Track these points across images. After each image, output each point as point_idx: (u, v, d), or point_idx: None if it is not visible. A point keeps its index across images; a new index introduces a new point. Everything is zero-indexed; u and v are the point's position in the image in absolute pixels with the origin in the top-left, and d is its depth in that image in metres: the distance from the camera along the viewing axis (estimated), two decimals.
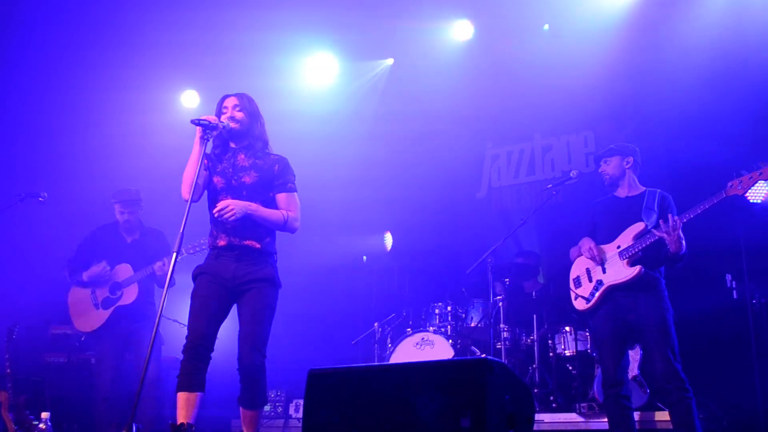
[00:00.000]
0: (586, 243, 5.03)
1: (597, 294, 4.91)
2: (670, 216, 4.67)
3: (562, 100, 7.66)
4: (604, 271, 4.92)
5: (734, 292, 6.19)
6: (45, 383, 6.59)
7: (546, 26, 7.74)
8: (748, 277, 5.99)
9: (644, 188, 5.11)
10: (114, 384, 5.82)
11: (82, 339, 6.21)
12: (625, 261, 4.82)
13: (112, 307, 5.91)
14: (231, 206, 4.15)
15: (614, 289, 4.85)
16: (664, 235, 4.61)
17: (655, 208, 4.94)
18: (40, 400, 6.30)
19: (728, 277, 6.24)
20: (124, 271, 5.97)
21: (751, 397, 5.71)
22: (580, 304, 5.03)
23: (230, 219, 4.14)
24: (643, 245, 4.76)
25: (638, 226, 4.87)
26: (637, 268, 4.75)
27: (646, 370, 5.54)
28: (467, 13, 7.94)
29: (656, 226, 4.77)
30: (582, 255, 5.09)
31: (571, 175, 6.18)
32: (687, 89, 6.79)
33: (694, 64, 6.80)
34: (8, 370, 5.96)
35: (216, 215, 4.22)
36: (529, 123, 8.14)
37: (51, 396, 6.48)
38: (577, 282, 5.10)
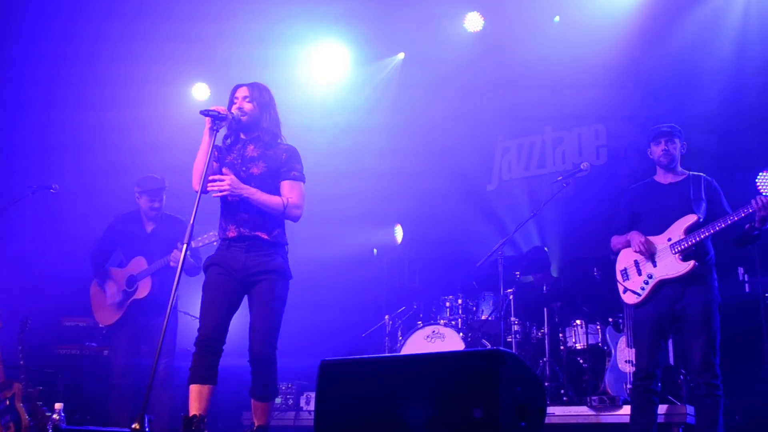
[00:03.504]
0: (637, 237, 4.88)
1: (648, 288, 4.80)
2: (760, 197, 4.48)
3: (573, 93, 7.64)
4: (654, 265, 4.81)
5: (747, 285, 6.16)
6: (58, 375, 6.63)
7: (557, 18, 7.71)
8: (760, 270, 5.96)
9: (687, 173, 4.99)
10: (126, 375, 5.84)
11: (104, 332, 6.21)
12: (677, 255, 4.71)
13: (128, 301, 5.93)
14: (225, 181, 4.12)
15: (665, 283, 4.75)
16: (760, 212, 4.45)
17: (703, 197, 4.84)
18: (53, 392, 6.34)
19: (740, 270, 6.20)
20: (139, 263, 5.97)
21: (764, 391, 5.68)
22: (629, 298, 4.91)
23: (217, 193, 4.12)
24: (697, 239, 4.65)
25: (690, 219, 4.74)
26: (690, 264, 4.65)
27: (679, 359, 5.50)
28: (478, 6, 7.92)
29: (710, 216, 4.70)
30: (629, 247, 4.95)
31: (582, 167, 6.14)
32: (698, 81, 6.76)
33: (706, 55, 6.77)
34: (21, 362, 5.98)
35: (208, 187, 4.19)
36: (540, 115, 8.11)
37: (64, 387, 6.52)
38: (625, 274, 4.97)
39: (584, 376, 6.31)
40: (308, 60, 8.45)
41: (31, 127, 7.75)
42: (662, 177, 5.03)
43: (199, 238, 5.51)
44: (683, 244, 4.70)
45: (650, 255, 4.82)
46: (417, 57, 8.42)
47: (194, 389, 4.10)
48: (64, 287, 6.91)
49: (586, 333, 6.32)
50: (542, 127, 8.20)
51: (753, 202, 4.48)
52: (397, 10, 7.80)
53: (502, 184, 8.40)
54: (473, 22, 7.95)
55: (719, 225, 4.60)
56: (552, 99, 7.83)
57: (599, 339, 6.30)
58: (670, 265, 4.74)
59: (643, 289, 4.83)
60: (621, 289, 4.99)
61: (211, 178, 4.15)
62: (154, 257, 5.89)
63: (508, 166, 8.39)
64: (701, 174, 4.97)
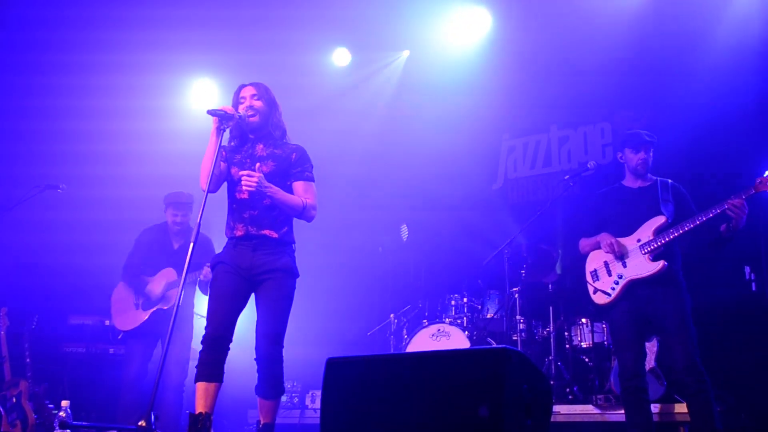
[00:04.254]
0: (607, 238, 4.93)
1: (618, 288, 4.84)
2: (737, 198, 4.50)
3: (579, 92, 7.62)
4: (624, 266, 4.86)
5: (753, 284, 6.14)
6: (64, 372, 6.66)
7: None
8: (767, 269, 5.94)
9: (655, 178, 5.05)
10: (138, 380, 5.88)
11: (119, 337, 6.24)
12: (647, 255, 4.77)
13: (151, 309, 5.97)
14: (255, 178, 4.13)
15: (635, 284, 4.80)
16: (733, 213, 4.49)
17: (671, 199, 4.90)
18: (58, 389, 6.37)
19: (747, 269, 6.19)
20: (168, 275, 6.00)
21: None
22: (599, 298, 4.96)
23: (246, 189, 4.13)
24: (666, 239, 4.70)
25: (658, 220, 4.81)
26: (660, 264, 4.70)
27: (664, 362, 5.51)
28: (485, 2, 7.91)
29: (678, 218, 4.74)
30: (599, 249, 5.02)
31: (589, 166, 6.13)
32: (704, 80, 6.73)
33: (712, 53, 6.74)
34: (28, 360, 6.02)
35: (237, 180, 4.23)
36: (546, 114, 8.09)
37: (69, 385, 6.55)
38: (595, 275, 5.04)
39: (590, 375, 6.31)
40: (315, 66, 8.44)
41: (37, 125, 7.77)
42: (631, 182, 5.09)
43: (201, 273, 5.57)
44: (653, 245, 4.76)
45: (620, 256, 4.88)
46: (422, 55, 8.40)
47: (201, 387, 4.11)
48: (71, 286, 6.94)
49: (592, 332, 6.33)
50: (548, 126, 8.19)
51: (726, 202, 4.53)
52: (402, 8, 7.79)
53: (507, 183, 8.39)
54: (480, 19, 7.92)
55: (688, 225, 4.65)
56: (558, 97, 7.82)
57: (605, 338, 6.30)
58: (640, 265, 4.79)
59: (613, 289, 4.88)
60: (591, 290, 5.04)
61: (242, 173, 4.16)
62: (181, 271, 5.90)
63: (514, 165, 8.38)
64: (668, 179, 5.03)
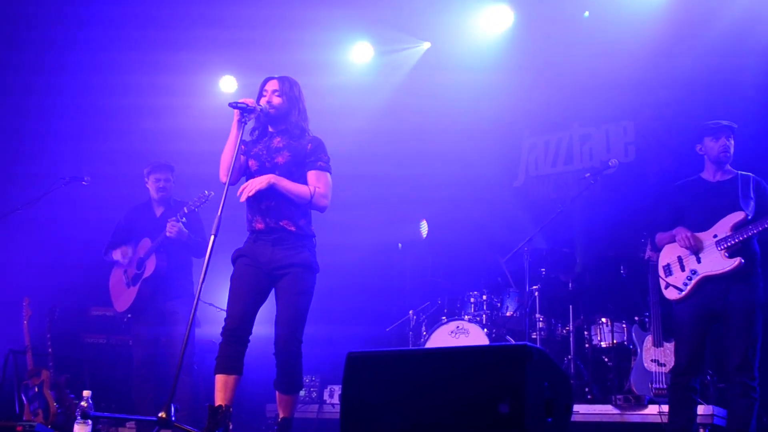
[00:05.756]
0: (683, 232, 4.79)
1: (691, 284, 4.73)
2: None
3: (602, 89, 7.57)
4: (698, 261, 4.74)
5: None
6: (85, 363, 6.72)
7: (586, 13, 7.64)
8: None
9: (736, 172, 4.90)
10: (146, 365, 5.89)
11: (125, 320, 6.28)
12: (723, 251, 4.65)
13: (139, 282, 5.94)
14: (248, 185, 4.15)
15: (708, 279, 4.69)
16: None
17: (752, 195, 4.76)
18: (80, 380, 6.43)
19: None
20: (144, 244, 5.98)
21: None
22: (671, 294, 4.85)
23: (249, 195, 4.15)
24: (744, 236, 4.59)
25: (737, 216, 4.67)
26: (736, 261, 4.59)
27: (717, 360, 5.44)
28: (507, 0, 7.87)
29: (759, 214, 4.64)
30: (674, 242, 4.88)
31: (610, 164, 6.10)
32: (728, 77, 6.67)
33: (736, 52, 6.68)
34: (50, 350, 6.08)
35: (252, 172, 4.28)
36: (568, 112, 8.05)
37: (90, 375, 6.61)
38: (668, 270, 4.91)
39: (609, 375, 6.28)
40: (337, 47, 8.44)
41: (62, 117, 7.84)
42: (710, 174, 4.94)
43: (190, 203, 5.59)
44: (730, 241, 4.63)
45: (695, 251, 4.75)
46: (444, 50, 8.37)
47: (220, 379, 4.13)
48: (93, 277, 6.99)
49: (612, 331, 6.29)
50: (570, 124, 8.14)
51: None
52: (424, 3, 7.78)
53: (528, 180, 8.35)
54: (503, 16, 7.89)
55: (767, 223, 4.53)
56: (580, 95, 7.77)
57: (625, 337, 6.26)
58: (716, 262, 4.66)
59: (686, 284, 4.76)
60: (663, 284, 4.93)
61: (238, 192, 4.19)
62: (156, 239, 5.90)
63: (535, 163, 8.34)
64: (750, 174, 4.87)
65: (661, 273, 4.95)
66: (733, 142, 4.88)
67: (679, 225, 4.90)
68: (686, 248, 4.78)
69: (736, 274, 4.61)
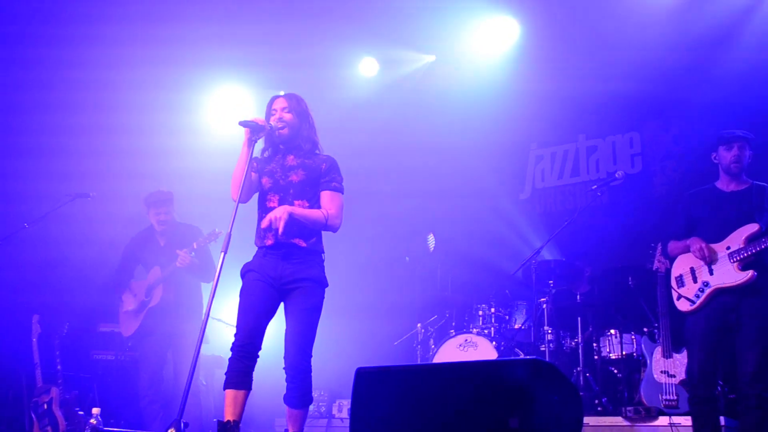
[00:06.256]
0: (697, 242, 4.75)
1: (703, 296, 4.70)
2: None
3: (608, 101, 7.58)
4: (711, 273, 4.71)
5: None
6: (93, 380, 6.72)
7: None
8: None
9: (750, 182, 4.86)
10: (153, 385, 5.94)
11: (129, 344, 6.38)
12: (736, 264, 4.62)
13: (144, 310, 6.08)
14: (275, 217, 4.15)
15: (720, 292, 4.66)
16: None
17: (766, 207, 4.72)
18: (88, 397, 6.44)
19: None
20: (154, 273, 6.11)
21: None
22: (683, 305, 4.82)
23: (281, 229, 4.15)
24: (758, 249, 4.54)
25: (751, 228, 4.64)
26: (749, 273, 4.56)
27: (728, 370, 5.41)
28: (513, 12, 7.90)
29: None
30: (688, 253, 4.85)
31: (617, 175, 6.09)
32: (734, 88, 6.67)
33: (742, 62, 6.68)
34: (58, 367, 6.09)
35: (266, 190, 4.32)
36: (574, 124, 8.06)
37: (99, 392, 6.62)
38: (680, 281, 4.88)
39: (619, 387, 6.25)
40: (343, 63, 8.48)
41: (69, 132, 7.86)
42: (725, 184, 4.91)
43: (201, 239, 5.66)
44: (743, 253, 4.59)
45: (708, 262, 4.71)
46: (449, 62, 8.40)
47: (229, 394, 4.13)
48: (101, 293, 7.01)
49: (621, 343, 6.27)
50: (576, 136, 8.14)
51: None
52: (429, 16, 7.80)
53: (535, 193, 8.35)
54: (509, 28, 7.91)
55: None
56: (586, 107, 7.78)
57: (634, 349, 6.24)
58: (728, 274, 4.63)
59: (697, 296, 4.74)
60: (675, 295, 4.90)
61: (263, 224, 4.20)
62: (165, 267, 6.01)
63: (542, 175, 8.34)
64: (765, 184, 4.83)
65: (674, 284, 4.92)
66: (749, 152, 4.85)
67: (692, 234, 4.87)
68: (701, 259, 4.74)
69: (748, 287, 4.57)
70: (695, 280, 4.79)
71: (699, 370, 4.67)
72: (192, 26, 7.54)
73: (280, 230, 4.14)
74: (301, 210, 4.26)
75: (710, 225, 4.82)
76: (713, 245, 4.74)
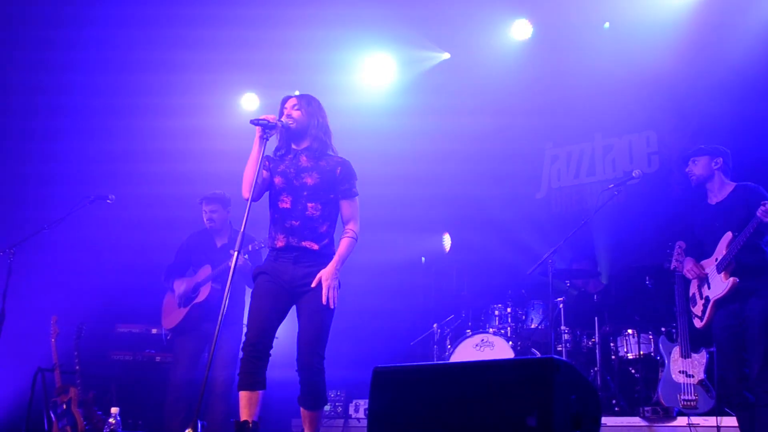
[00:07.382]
0: (687, 264, 5.00)
1: (707, 312, 4.85)
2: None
3: (624, 100, 7.55)
4: (709, 287, 4.87)
5: None
6: (112, 380, 6.77)
7: (606, 24, 7.63)
8: None
9: (732, 185, 4.97)
10: (184, 385, 5.94)
11: (168, 338, 6.38)
12: (723, 274, 4.74)
13: (189, 305, 6.07)
14: (331, 296, 4.19)
15: (719, 303, 4.78)
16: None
17: (742, 204, 4.80)
18: (107, 397, 6.48)
19: None
20: (205, 270, 6.11)
21: None
22: (697, 323, 5.00)
23: (335, 299, 4.21)
24: (733, 251, 4.66)
25: (728, 236, 4.76)
26: (730, 282, 4.68)
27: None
28: (526, 12, 7.88)
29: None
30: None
31: (634, 174, 6.06)
32: (751, 87, 6.62)
33: (758, 61, 6.63)
34: (77, 367, 6.14)
35: (279, 189, 4.34)
36: (590, 123, 8.03)
37: (117, 392, 6.66)
38: (693, 301, 5.05)
39: (636, 387, 6.22)
40: (356, 65, 8.49)
41: (87, 136, 7.94)
42: (711, 197, 5.06)
43: (256, 242, 5.67)
44: (725, 261, 4.73)
45: (704, 278, 4.88)
46: (465, 63, 8.39)
47: (244, 395, 4.14)
48: (119, 294, 7.06)
49: (638, 342, 6.24)
50: (592, 135, 8.11)
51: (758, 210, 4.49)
52: (444, 16, 7.80)
53: (551, 192, 8.33)
54: (522, 28, 7.90)
55: (748, 231, 4.58)
56: (602, 106, 7.74)
57: (652, 348, 6.20)
58: (718, 285, 4.79)
59: (703, 312, 4.88)
60: (692, 315, 5.06)
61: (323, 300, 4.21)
62: (216, 266, 6.03)
63: (558, 174, 8.32)
64: (751, 184, 4.90)
65: (690, 305, 5.09)
66: (703, 161, 4.99)
67: (698, 247, 5.04)
68: (695, 279, 4.95)
69: (741, 292, 4.66)
70: (701, 297, 4.94)
71: (734, 383, 4.73)
72: (217, 31, 7.60)
73: (335, 300, 4.19)
74: (339, 258, 4.28)
75: (707, 241, 4.98)
76: (705, 261, 4.92)
